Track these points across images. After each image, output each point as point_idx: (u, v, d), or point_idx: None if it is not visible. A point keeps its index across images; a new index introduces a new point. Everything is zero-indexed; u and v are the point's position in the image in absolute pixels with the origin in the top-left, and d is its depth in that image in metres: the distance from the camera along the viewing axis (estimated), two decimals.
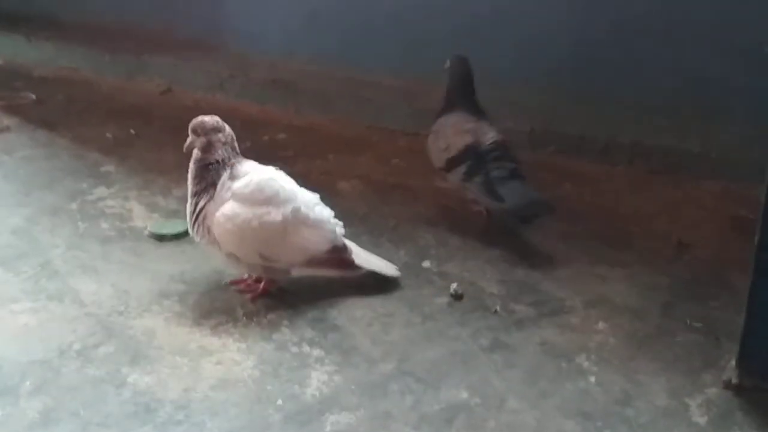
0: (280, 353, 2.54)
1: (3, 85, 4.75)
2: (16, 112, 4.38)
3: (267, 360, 2.50)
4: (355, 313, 2.75)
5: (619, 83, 3.97)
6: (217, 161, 2.69)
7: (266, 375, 2.44)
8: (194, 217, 2.73)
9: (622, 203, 3.55)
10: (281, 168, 2.82)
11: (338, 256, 2.81)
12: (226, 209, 2.66)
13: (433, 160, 3.43)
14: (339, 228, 2.84)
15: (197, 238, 2.78)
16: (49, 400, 2.31)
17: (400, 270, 2.93)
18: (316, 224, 2.77)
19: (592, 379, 2.46)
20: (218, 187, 2.69)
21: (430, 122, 3.48)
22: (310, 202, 2.79)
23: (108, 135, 4.13)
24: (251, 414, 2.29)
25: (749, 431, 2.27)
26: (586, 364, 2.52)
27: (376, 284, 2.87)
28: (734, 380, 2.40)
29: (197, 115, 2.75)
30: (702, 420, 2.31)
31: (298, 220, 2.72)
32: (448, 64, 3.48)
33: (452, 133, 3.34)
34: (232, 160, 2.71)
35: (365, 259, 2.88)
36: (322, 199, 2.86)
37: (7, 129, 4.18)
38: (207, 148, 2.68)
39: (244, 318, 2.71)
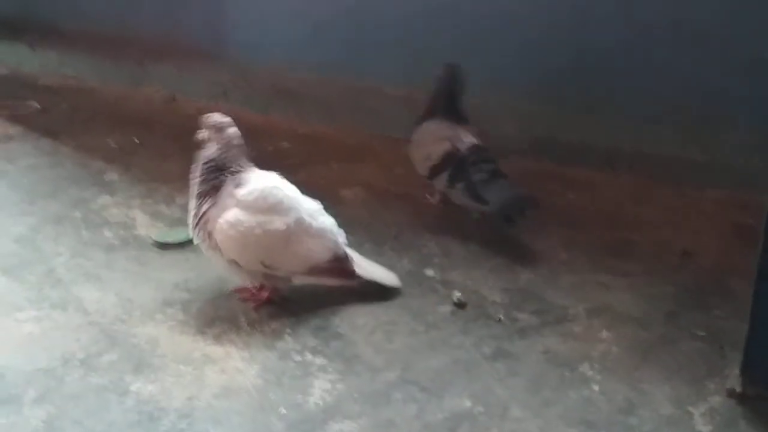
0: (283, 362, 2.54)
1: (7, 94, 4.77)
2: (20, 121, 4.39)
3: (270, 368, 2.51)
4: (357, 322, 2.75)
5: (621, 91, 3.97)
6: (215, 160, 2.69)
7: (269, 383, 2.44)
8: (196, 219, 2.73)
9: (625, 211, 3.55)
10: (284, 176, 2.83)
11: (339, 265, 2.81)
12: (230, 216, 2.66)
13: (417, 167, 3.51)
14: (341, 237, 2.85)
15: (197, 240, 2.78)
16: (52, 409, 2.31)
17: (401, 279, 2.93)
18: (319, 233, 2.77)
19: (596, 387, 2.46)
20: (222, 192, 2.69)
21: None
22: (313, 211, 2.79)
23: (111, 144, 4.14)
24: (254, 422, 2.29)
25: None
26: (589, 372, 2.52)
27: (378, 292, 2.87)
28: (738, 389, 2.39)
29: (200, 125, 2.77)
30: (706, 429, 2.30)
31: (301, 229, 2.73)
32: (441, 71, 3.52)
33: (431, 141, 3.41)
34: (239, 167, 2.72)
35: (366, 268, 2.88)
36: (325, 207, 2.86)
37: (11, 138, 4.19)
38: (206, 143, 2.72)
39: (248, 326, 2.71)
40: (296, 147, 4.16)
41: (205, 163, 2.72)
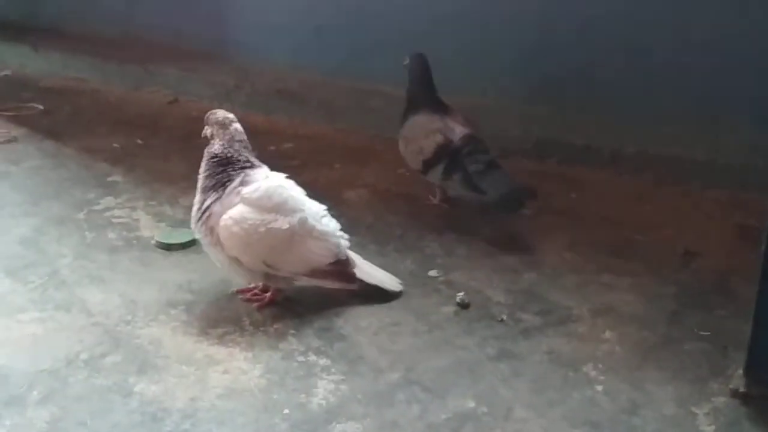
0: (286, 362, 2.54)
1: (10, 95, 4.78)
2: (23, 123, 4.40)
3: (273, 369, 2.51)
4: (361, 323, 2.75)
5: (624, 92, 3.98)
6: (219, 156, 2.71)
7: (273, 384, 2.44)
8: (200, 214, 2.73)
9: (629, 212, 3.55)
10: (287, 177, 2.83)
11: (341, 269, 2.81)
12: (235, 213, 2.66)
13: (409, 163, 3.52)
14: (344, 241, 2.85)
15: (198, 235, 2.78)
16: (56, 410, 2.31)
17: (405, 280, 2.93)
18: (322, 236, 2.77)
19: (599, 388, 2.45)
20: (228, 188, 2.70)
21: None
22: (317, 213, 2.80)
23: (115, 145, 4.15)
24: (258, 423, 2.29)
25: None
26: (593, 373, 2.52)
27: (382, 294, 2.87)
28: (741, 389, 2.39)
29: (203, 126, 2.79)
30: (709, 429, 2.30)
31: (304, 230, 2.73)
32: (407, 60, 3.52)
33: (422, 136, 3.41)
34: (245, 162, 2.72)
35: (368, 273, 2.88)
36: (329, 208, 2.87)
37: (15, 139, 4.20)
38: (210, 139, 2.75)
39: (251, 327, 2.71)
40: (299, 148, 4.17)
41: (211, 158, 2.73)
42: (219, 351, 2.58)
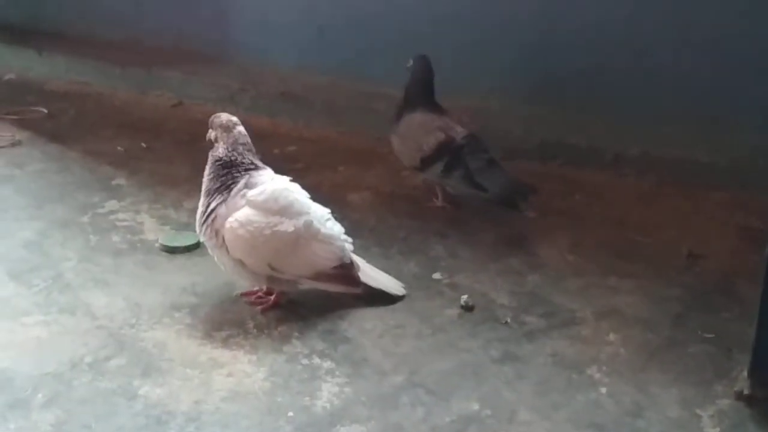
0: (290, 365, 2.54)
1: (15, 99, 4.78)
2: (27, 126, 4.41)
3: (278, 372, 2.51)
4: (365, 325, 2.75)
5: (628, 94, 3.98)
6: (224, 159, 2.71)
7: (277, 387, 2.44)
8: (205, 216, 2.74)
9: (632, 214, 3.55)
10: (292, 181, 2.83)
11: (345, 272, 2.81)
12: (240, 215, 2.67)
13: (404, 160, 3.54)
14: (348, 244, 2.85)
15: (203, 238, 2.79)
16: (61, 413, 2.31)
17: (408, 283, 2.94)
18: (327, 239, 2.77)
19: (604, 390, 2.45)
20: (233, 191, 2.70)
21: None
22: (322, 216, 2.80)
23: (119, 148, 4.15)
24: (262, 426, 2.29)
25: None
26: (597, 375, 2.52)
27: (386, 296, 2.87)
28: (746, 391, 2.39)
29: (207, 129, 2.79)
30: (714, 431, 2.30)
31: (309, 233, 2.73)
32: (410, 62, 3.54)
33: (422, 133, 3.42)
34: (249, 165, 2.73)
35: (372, 276, 2.88)
36: (333, 211, 2.87)
37: (19, 143, 4.20)
38: (214, 142, 2.76)
39: (255, 330, 2.72)
40: (303, 151, 4.17)
41: (215, 161, 2.74)
42: (223, 354, 2.59)
